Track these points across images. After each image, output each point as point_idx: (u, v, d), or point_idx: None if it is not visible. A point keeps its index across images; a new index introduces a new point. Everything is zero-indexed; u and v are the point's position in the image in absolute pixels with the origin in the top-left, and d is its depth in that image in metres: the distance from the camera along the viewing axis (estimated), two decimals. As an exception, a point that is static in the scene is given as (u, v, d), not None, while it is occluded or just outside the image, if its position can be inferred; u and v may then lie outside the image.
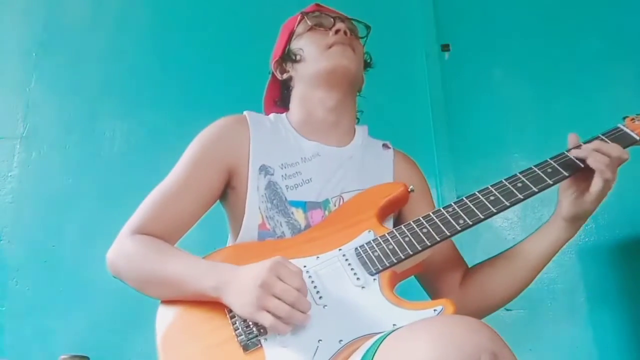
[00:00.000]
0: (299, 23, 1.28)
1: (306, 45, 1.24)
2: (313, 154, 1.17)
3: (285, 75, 1.29)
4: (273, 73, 1.34)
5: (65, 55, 2.14)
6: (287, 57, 1.28)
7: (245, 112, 1.22)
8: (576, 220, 1.03)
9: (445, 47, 2.13)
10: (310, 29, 1.25)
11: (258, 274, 0.88)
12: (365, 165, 1.20)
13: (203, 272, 0.96)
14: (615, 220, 1.90)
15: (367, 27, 1.32)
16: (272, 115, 1.26)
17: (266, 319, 0.85)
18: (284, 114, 1.27)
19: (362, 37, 1.31)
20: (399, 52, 2.14)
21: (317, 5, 1.32)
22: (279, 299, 0.86)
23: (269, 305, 0.85)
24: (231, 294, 0.91)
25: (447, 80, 2.08)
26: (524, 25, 2.13)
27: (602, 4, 2.12)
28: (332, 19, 1.25)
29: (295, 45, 1.27)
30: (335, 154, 1.19)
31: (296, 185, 1.11)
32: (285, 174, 1.12)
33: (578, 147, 1.00)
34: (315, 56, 1.21)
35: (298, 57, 1.24)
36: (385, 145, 1.28)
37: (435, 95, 2.07)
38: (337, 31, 1.21)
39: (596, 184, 0.96)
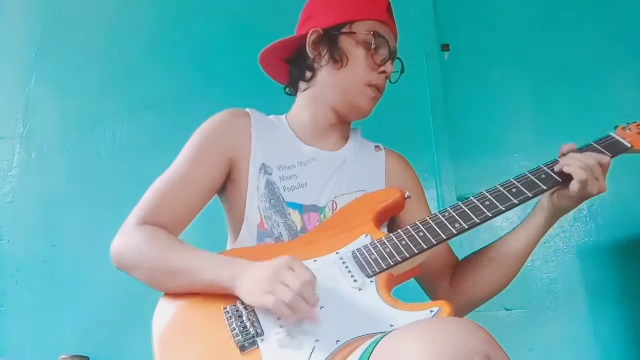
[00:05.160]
0: (363, 18, 1.18)
1: (354, 59, 1.16)
2: (309, 159, 1.17)
3: (314, 55, 1.19)
4: (299, 34, 1.22)
5: (65, 55, 2.15)
6: (332, 42, 1.17)
7: (248, 109, 1.22)
8: (555, 216, 1.06)
9: (445, 47, 2.12)
10: (368, 45, 1.16)
11: (271, 266, 0.90)
12: (358, 168, 1.20)
13: (220, 263, 0.97)
14: (615, 220, 1.90)
15: (402, 70, 1.26)
16: (272, 117, 1.26)
17: (269, 300, 0.87)
18: (284, 116, 1.26)
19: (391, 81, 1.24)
20: (399, 52, 2.13)
21: (389, 15, 1.23)
22: (287, 286, 0.87)
23: (277, 289, 0.87)
24: (244, 285, 0.92)
25: (447, 80, 2.08)
26: (524, 26, 2.13)
27: (602, 4, 2.12)
28: (387, 52, 1.18)
29: (346, 41, 1.17)
30: (330, 158, 1.19)
31: (293, 188, 1.12)
32: (283, 176, 1.13)
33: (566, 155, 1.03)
34: (351, 81, 1.17)
35: (339, 60, 1.16)
36: (377, 147, 1.28)
37: (435, 95, 2.07)
38: (383, 72, 1.18)
39: (573, 184, 0.97)
